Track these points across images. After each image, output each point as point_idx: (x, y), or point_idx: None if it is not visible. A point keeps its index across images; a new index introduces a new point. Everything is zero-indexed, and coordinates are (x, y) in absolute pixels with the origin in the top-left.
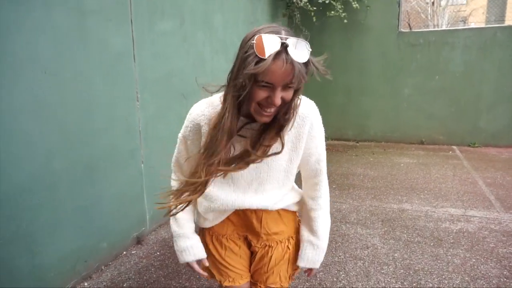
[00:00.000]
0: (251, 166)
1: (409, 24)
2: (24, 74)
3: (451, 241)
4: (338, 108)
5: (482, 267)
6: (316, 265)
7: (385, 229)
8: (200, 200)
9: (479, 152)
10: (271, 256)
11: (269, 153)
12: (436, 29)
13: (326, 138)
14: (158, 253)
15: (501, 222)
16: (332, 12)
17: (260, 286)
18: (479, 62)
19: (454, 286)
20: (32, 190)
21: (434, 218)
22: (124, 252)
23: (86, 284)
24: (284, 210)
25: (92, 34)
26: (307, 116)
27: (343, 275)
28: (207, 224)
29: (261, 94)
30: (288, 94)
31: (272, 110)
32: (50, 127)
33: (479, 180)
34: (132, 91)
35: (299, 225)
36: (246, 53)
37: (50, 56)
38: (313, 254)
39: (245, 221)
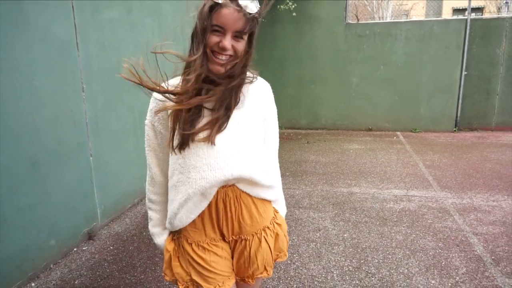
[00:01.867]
0: (220, 136)
1: (356, 16)
2: None
3: (395, 219)
4: (290, 98)
5: (421, 241)
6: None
7: (336, 211)
8: (171, 197)
9: (420, 137)
10: (250, 250)
11: (233, 110)
12: (381, 21)
13: (280, 127)
14: (111, 247)
15: (438, 200)
16: (282, 6)
17: (248, 281)
18: (418, 54)
19: (397, 259)
20: None
21: (380, 199)
22: (75, 249)
23: (33, 284)
24: (259, 199)
25: (31, 21)
26: (268, 88)
27: (297, 257)
28: (177, 224)
29: (214, 39)
30: (239, 45)
31: (223, 58)
32: None
33: (420, 162)
34: (77, 82)
35: (275, 215)
36: (204, 5)
37: None
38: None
39: (218, 217)
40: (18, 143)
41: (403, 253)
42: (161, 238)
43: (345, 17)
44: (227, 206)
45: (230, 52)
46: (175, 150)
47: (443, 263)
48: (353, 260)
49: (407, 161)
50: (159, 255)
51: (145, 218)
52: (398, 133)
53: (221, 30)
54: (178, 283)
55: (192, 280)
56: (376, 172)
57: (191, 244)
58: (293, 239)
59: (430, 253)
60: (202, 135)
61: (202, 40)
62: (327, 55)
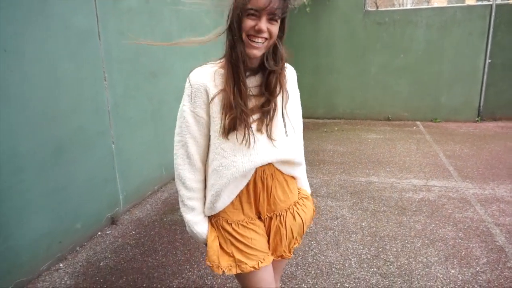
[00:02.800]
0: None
1: (375, 3)
2: None
3: (414, 209)
4: (308, 87)
5: (440, 231)
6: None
7: (354, 200)
8: (211, 182)
9: (440, 127)
10: (285, 224)
11: (276, 99)
12: (401, 8)
13: None
14: (133, 232)
15: (458, 190)
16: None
17: (287, 255)
18: (440, 41)
19: (415, 248)
20: None
21: (398, 189)
22: (99, 233)
23: (61, 265)
24: (290, 176)
25: (54, 12)
26: (294, 72)
27: (315, 244)
28: (219, 206)
29: (249, 22)
30: (273, 28)
31: (259, 40)
32: (12, 107)
33: (440, 152)
34: (99, 71)
35: (299, 191)
36: None
37: (10, 34)
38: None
39: (255, 195)
40: (43, 129)
41: (422, 242)
42: (204, 225)
43: (364, 4)
44: (264, 183)
45: (265, 34)
46: (223, 135)
47: (463, 253)
48: (371, 248)
49: (427, 151)
50: (179, 240)
51: (165, 204)
52: (418, 122)
53: (256, 14)
54: (223, 268)
55: (235, 260)
56: (394, 162)
57: (231, 224)
58: (311, 227)
59: (450, 243)
60: (251, 119)
61: (238, 26)
62: (345, 44)
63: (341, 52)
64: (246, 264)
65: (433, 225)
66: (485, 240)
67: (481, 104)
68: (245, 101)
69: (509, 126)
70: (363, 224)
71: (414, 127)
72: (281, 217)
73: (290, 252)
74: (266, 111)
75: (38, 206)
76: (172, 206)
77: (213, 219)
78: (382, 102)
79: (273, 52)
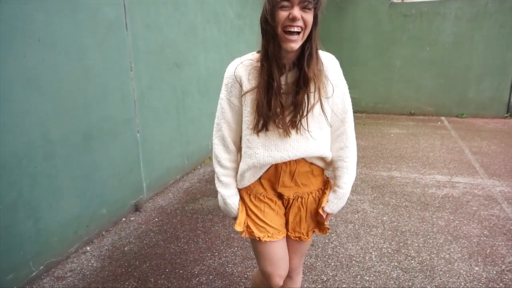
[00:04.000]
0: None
1: None
2: (17, 43)
3: (437, 205)
4: None
5: (464, 227)
6: (335, 211)
7: (375, 195)
8: (240, 163)
9: (467, 122)
10: (306, 207)
11: (311, 94)
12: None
13: None
14: (156, 219)
15: (484, 187)
16: None
17: (304, 238)
18: (469, 33)
19: (438, 244)
20: (30, 159)
21: (421, 184)
22: (123, 219)
23: (88, 248)
24: (314, 165)
25: (83, 2)
26: (328, 64)
27: (335, 236)
28: (245, 183)
29: (283, 14)
30: (307, 16)
31: (295, 30)
32: (44, 96)
33: (466, 148)
34: (125, 61)
35: (327, 180)
36: None
37: (42, 25)
38: (333, 202)
39: (276, 177)
40: (71, 117)
41: (445, 239)
42: (236, 199)
43: None
44: (287, 167)
45: (300, 23)
46: (250, 129)
47: (488, 250)
48: (392, 243)
49: (452, 147)
50: (201, 228)
51: (187, 193)
52: (443, 118)
53: (288, 5)
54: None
55: (247, 227)
56: (418, 157)
57: (250, 195)
58: (331, 220)
59: (474, 240)
60: (279, 119)
61: (272, 20)
62: (370, 36)
63: (365, 44)
64: (252, 232)
65: (457, 222)
66: None
67: (511, 99)
68: (276, 101)
69: None
70: (384, 218)
71: (439, 123)
72: (303, 200)
73: (307, 235)
74: (299, 108)
75: (67, 191)
76: (194, 195)
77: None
78: (406, 96)
79: (308, 45)
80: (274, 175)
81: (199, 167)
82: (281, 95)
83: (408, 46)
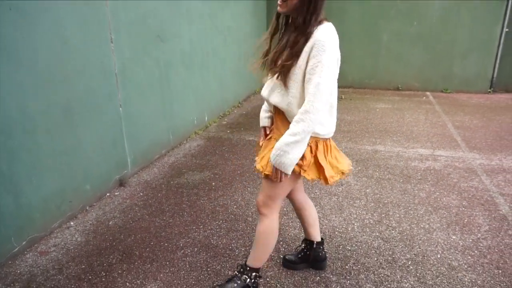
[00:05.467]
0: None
1: None
2: None
3: (419, 177)
4: None
5: (444, 199)
6: (272, 160)
7: (359, 168)
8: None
9: (451, 97)
10: (270, 147)
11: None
12: None
13: None
14: (141, 194)
15: (465, 160)
16: None
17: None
18: (456, 8)
19: (418, 215)
20: (9, 133)
21: (404, 157)
22: (108, 194)
23: (72, 223)
24: (284, 115)
25: None
26: (314, 36)
27: (319, 208)
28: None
29: None
30: None
31: (279, 2)
32: (21, 68)
33: (449, 123)
34: (105, 33)
35: None
36: None
37: None
38: (273, 152)
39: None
40: (51, 91)
41: (425, 210)
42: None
43: None
44: (274, 112)
45: None
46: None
47: (465, 220)
48: (374, 214)
49: (436, 121)
50: (186, 202)
51: (172, 168)
52: (428, 93)
53: None
54: None
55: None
56: (402, 132)
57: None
58: (315, 192)
59: (453, 211)
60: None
61: None
62: (357, 10)
63: (353, 19)
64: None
65: (438, 193)
66: (489, 208)
67: (495, 75)
68: (273, 51)
69: None
70: (367, 190)
71: (424, 97)
72: (275, 142)
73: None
74: (283, 64)
75: (49, 165)
76: (179, 170)
77: None
78: (392, 71)
79: (299, 15)
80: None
81: (184, 142)
82: (279, 49)
83: (396, 21)
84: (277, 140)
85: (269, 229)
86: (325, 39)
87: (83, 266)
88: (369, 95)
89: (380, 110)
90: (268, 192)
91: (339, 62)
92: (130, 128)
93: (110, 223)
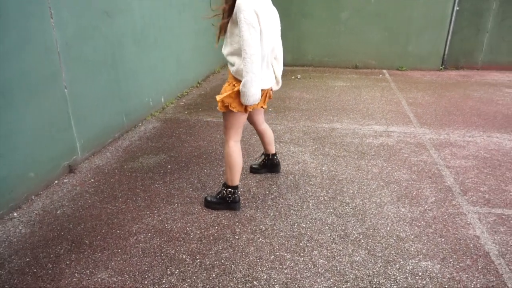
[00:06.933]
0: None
1: None
2: None
3: (373, 153)
4: None
5: (395, 173)
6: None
7: (316, 146)
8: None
9: (406, 75)
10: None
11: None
12: None
13: None
14: (92, 180)
15: (416, 135)
16: None
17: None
18: None
19: (371, 190)
20: None
21: (360, 134)
22: (56, 181)
23: (15, 214)
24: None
25: None
26: (241, 6)
27: (275, 188)
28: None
29: None
30: None
31: None
32: None
33: (403, 100)
34: (44, 7)
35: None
36: None
37: None
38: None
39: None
40: None
41: (377, 184)
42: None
43: None
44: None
45: None
46: None
47: (414, 193)
48: (329, 191)
49: (391, 98)
50: (140, 187)
51: (126, 152)
52: (384, 71)
53: None
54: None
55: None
56: (358, 109)
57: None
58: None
59: (403, 185)
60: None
61: None
62: None
63: None
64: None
65: (390, 168)
66: (436, 181)
67: (446, 52)
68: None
69: (470, 75)
70: (323, 168)
71: (380, 75)
72: (226, 84)
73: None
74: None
75: None
76: (133, 154)
77: None
78: (351, 50)
79: None
80: None
81: (140, 124)
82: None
83: None
84: (228, 83)
85: (229, 152)
86: (240, 2)
87: (27, 259)
88: (328, 73)
89: (338, 88)
90: (224, 124)
91: (274, 27)
92: (77, 111)
93: (58, 212)
